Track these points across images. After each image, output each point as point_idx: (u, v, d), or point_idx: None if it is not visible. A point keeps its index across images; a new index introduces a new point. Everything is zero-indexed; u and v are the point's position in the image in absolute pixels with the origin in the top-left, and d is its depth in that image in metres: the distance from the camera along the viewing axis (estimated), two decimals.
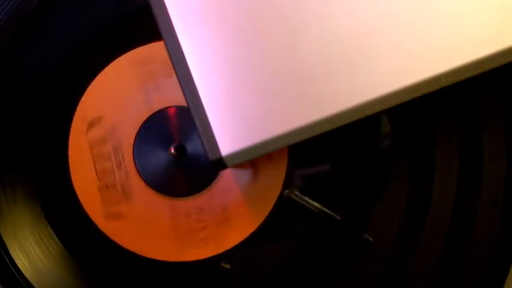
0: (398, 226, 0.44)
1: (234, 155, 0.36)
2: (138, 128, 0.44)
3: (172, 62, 0.36)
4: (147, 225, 0.44)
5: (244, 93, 0.36)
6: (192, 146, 0.44)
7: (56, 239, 0.45)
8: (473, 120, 0.44)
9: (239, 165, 0.43)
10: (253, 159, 0.36)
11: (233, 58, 0.36)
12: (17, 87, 0.46)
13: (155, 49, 0.44)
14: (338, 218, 0.44)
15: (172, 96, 0.44)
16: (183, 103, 0.41)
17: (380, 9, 0.35)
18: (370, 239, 0.44)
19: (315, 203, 0.44)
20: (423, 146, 0.44)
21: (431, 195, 0.44)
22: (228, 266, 0.44)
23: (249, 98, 0.36)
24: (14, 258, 0.45)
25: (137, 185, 0.44)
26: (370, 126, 0.44)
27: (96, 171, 0.44)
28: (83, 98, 0.45)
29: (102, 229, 0.44)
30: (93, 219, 0.44)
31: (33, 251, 0.45)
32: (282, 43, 0.35)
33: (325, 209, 0.44)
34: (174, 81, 0.44)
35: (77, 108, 0.45)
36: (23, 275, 0.45)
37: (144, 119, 0.44)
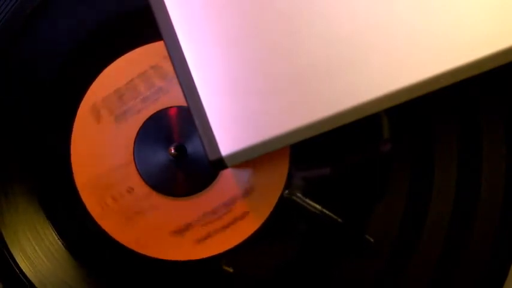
0: (399, 226, 0.44)
1: (234, 155, 0.36)
2: (138, 128, 0.44)
3: (172, 62, 0.36)
4: (148, 225, 0.44)
5: (244, 93, 0.36)
6: (192, 146, 0.44)
7: (57, 238, 0.45)
8: (472, 120, 0.44)
9: (239, 166, 0.43)
10: (253, 160, 0.36)
11: (233, 58, 0.36)
12: (17, 87, 0.46)
13: (155, 49, 0.44)
14: (338, 219, 0.44)
15: (172, 96, 0.44)
16: (183, 103, 0.41)
17: (380, 9, 0.35)
18: (371, 239, 0.44)
19: (315, 204, 0.44)
20: (423, 146, 0.44)
21: (431, 196, 0.44)
22: (230, 269, 0.44)
23: (249, 98, 0.36)
24: (15, 257, 0.45)
25: (137, 184, 0.44)
26: (370, 127, 0.44)
27: (133, 222, 0.44)
28: (84, 99, 0.45)
29: (105, 228, 0.44)
30: (97, 220, 0.44)
31: (34, 250, 0.45)
32: (282, 43, 0.35)
33: (326, 210, 0.44)
34: (174, 81, 0.44)
35: (79, 109, 0.45)
36: (24, 274, 0.45)
37: (144, 119, 0.44)
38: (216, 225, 0.44)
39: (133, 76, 0.44)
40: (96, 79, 0.45)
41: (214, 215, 0.44)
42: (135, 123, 0.44)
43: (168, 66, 0.44)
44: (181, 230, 0.44)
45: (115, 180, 0.44)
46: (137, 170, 0.44)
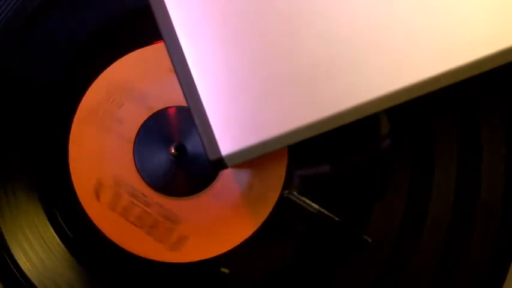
0: (399, 226, 0.44)
1: (234, 155, 0.36)
2: (138, 128, 0.44)
3: (172, 62, 0.36)
4: (146, 225, 0.44)
5: (244, 93, 0.36)
6: (192, 146, 0.44)
7: (57, 238, 0.45)
8: (472, 120, 0.44)
9: (239, 165, 0.43)
10: (253, 160, 0.36)
11: (233, 58, 0.36)
12: (17, 87, 0.46)
13: (155, 49, 0.44)
14: (337, 219, 0.44)
15: (172, 96, 0.44)
16: (183, 103, 0.41)
17: (380, 9, 0.35)
18: (369, 239, 0.44)
19: (314, 204, 0.44)
20: (422, 146, 0.44)
21: (431, 196, 0.44)
22: (227, 271, 0.44)
23: (249, 98, 0.36)
24: (15, 257, 0.45)
25: (137, 184, 0.44)
26: (369, 126, 0.44)
27: (132, 223, 0.44)
28: (84, 99, 0.45)
29: (102, 229, 0.44)
30: (92, 218, 0.44)
31: (34, 250, 0.45)
32: (282, 43, 0.35)
33: (324, 210, 0.44)
34: (174, 81, 0.44)
35: (78, 109, 0.45)
36: (24, 274, 0.45)
37: (144, 119, 0.44)
38: (216, 225, 0.44)
39: (133, 76, 0.44)
40: (93, 83, 0.45)
41: (214, 215, 0.44)
42: (133, 125, 0.44)
43: (168, 66, 0.44)
44: (181, 230, 0.44)
45: (115, 183, 0.44)
46: (140, 175, 0.44)
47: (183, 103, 0.42)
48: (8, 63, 0.46)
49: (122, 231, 0.44)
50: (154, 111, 0.44)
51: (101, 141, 0.44)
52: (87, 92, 0.45)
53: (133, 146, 0.44)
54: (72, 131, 0.44)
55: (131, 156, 0.44)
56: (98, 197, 0.44)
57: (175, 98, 0.44)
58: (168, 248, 0.44)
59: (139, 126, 0.44)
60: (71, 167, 0.44)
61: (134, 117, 0.44)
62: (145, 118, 0.44)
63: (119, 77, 0.44)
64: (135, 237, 0.44)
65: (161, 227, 0.44)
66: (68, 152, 0.45)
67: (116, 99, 0.44)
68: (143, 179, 0.44)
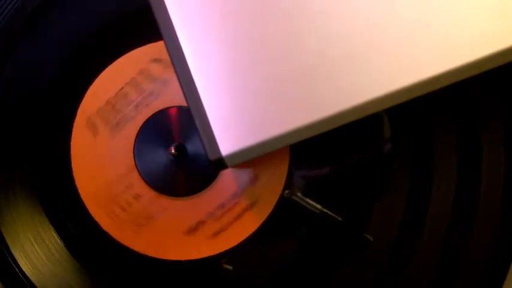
0: (399, 226, 0.44)
1: (235, 155, 0.36)
2: (138, 128, 0.44)
3: (172, 62, 0.36)
4: (147, 225, 0.44)
5: (244, 92, 0.36)
6: (192, 146, 0.44)
7: (57, 238, 0.45)
8: (472, 120, 0.44)
9: (239, 165, 0.43)
10: (253, 159, 0.36)
11: (233, 58, 0.36)
12: (17, 87, 0.46)
13: (155, 49, 0.44)
14: (338, 218, 0.44)
15: (172, 96, 0.44)
16: (183, 103, 0.41)
17: (380, 9, 0.35)
18: (371, 238, 0.44)
19: (315, 204, 0.44)
20: (422, 146, 0.44)
21: (431, 196, 0.44)
22: (230, 267, 0.44)
23: (249, 98, 0.36)
24: (15, 257, 0.45)
25: (142, 190, 0.44)
26: (370, 127, 0.44)
27: (120, 207, 0.44)
28: (84, 99, 0.45)
29: (104, 228, 0.44)
30: (97, 220, 0.44)
31: (34, 250, 0.45)
32: (282, 43, 0.35)
33: (325, 210, 0.44)
34: (174, 81, 0.44)
35: (78, 109, 0.45)
36: (25, 274, 0.45)
37: (144, 119, 0.44)
38: (216, 225, 0.44)
39: (123, 84, 0.44)
40: (87, 92, 0.45)
41: (214, 214, 0.44)
42: (131, 130, 0.44)
43: (155, 69, 0.44)
44: (181, 230, 0.44)
45: (120, 189, 0.44)
46: (140, 175, 0.44)
47: (183, 103, 0.42)
48: (8, 63, 0.46)
49: (124, 231, 0.44)
50: (148, 115, 0.44)
51: (101, 152, 0.44)
52: (80, 106, 0.45)
53: (133, 152, 0.44)
54: (72, 145, 0.45)
55: (132, 163, 0.44)
56: (107, 208, 0.44)
57: (175, 98, 0.44)
58: (169, 247, 0.44)
59: (136, 132, 0.44)
60: (76, 182, 0.44)
61: (130, 124, 0.44)
62: (140, 124, 0.44)
63: (108, 87, 0.44)
64: (136, 236, 0.44)
65: (162, 227, 0.44)
66: (69, 152, 0.45)
67: (109, 109, 0.44)
68: (143, 179, 0.44)
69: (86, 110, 0.45)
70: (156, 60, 0.44)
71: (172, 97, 0.44)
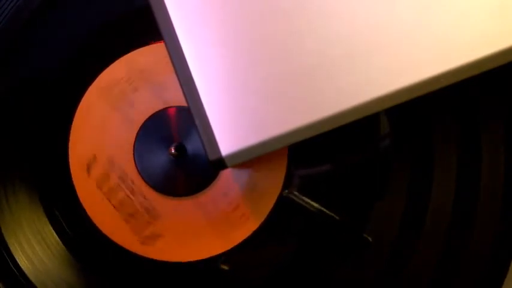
0: (399, 226, 0.44)
1: (235, 155, 0.36)
2: (138, 128, 0.44)
3: (172, 62, 0.36)
4: (147, 226, 0.44)
5: (244, 93, 0.36)
6: (192, 146, 0.44)
7: (57, 238, 0.45)
8: (472, 120, 0.44)
9: (239, 165, 0.43)
10: (253, 159, 0.36)
11: (233, 58, 0.36)
12: (17, 87, 0.46)
13: (155, 49, 0.44)
14: (337, 218, 0.44)
15: (172, 96, 0.44)
16: (183, 103, 0.41)
17: (380, 9, 0.35)
18: (370, 238, 0.44)
19: (314, 204, 0.44)
20: (422, 146, 0.44)
21: (431, 196, 0.44)
22: (226, 267, 0.44)
23: (249, 98, 0.36)
24: (15, 257, 0.45)
25: (141, 188, 0.44)
26: (369, 126, 0.44)
27: (113, 206, 0.44)
28: (103, 73, 0.44)
29: (102, 230, 0.44)
30: (97, 225, 0.44)
31: (34, 250, 0.45)
32: (282, 43, 0.35)
33: (325, 210, 0.44)
34: (174, 81, 0.44)
35: (95, 80, 0.44)
36: (24, 273, 0.45)
37: (144, 119, 0.44)
38: (215, 225, 0.44)
39: (134, 76, 0.44)
40: (97, 79, 0.45)
41: (214, 214, 0.44)
42: (143, 112, 0.44)
43: (168, 66, 0.44)
44: (180, 230, 0.44)
45: (109, 162, 0.44)
46: (137, 169, 0.44)
47: (183, 103, 0.42)
48: (8, 63, 0.46)
49: (104, 212, 0.44)
50: (155, 111, 0.44)
51: (107, 117, 0.44)
52: (108, 68, 0.44)
53: (134, 146, 0.44)
54: (83, 99, 0.44)
55: (132, 140, 0.44)
56: (88, 171, 0.44)
57: (175, 98, 0.44)
58: (169, 247, 0.44)
59: (139, 126, 0.44)
60: (71, 135, 0.44)
61: (146, 105, 0.44)
62: (145, 118, 0.44)
63: (142, 61, 0.44)
64: (114, 221, 0.44)
65: (162, 227, 0.44)
66: (68, 151, 0.45)
67: (134, 82, 0.44)
68: (143, 178, 0.44)
69: (105, 80, 0.44)
70: (159, 61, 0.44)
71: (172, 97, 0.44)
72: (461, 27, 0.34)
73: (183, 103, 0.40)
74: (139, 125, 0.44)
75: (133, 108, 0.44)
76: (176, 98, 0.44)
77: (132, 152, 0.44)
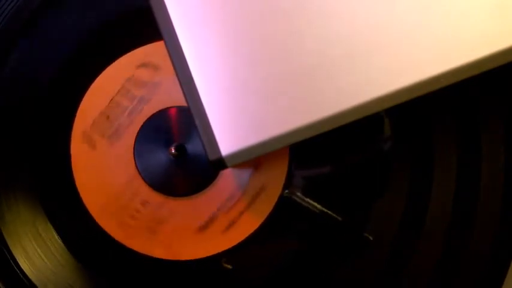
0: (398, 226, 0.44)
1: (235, 155, 0.36)
2: (138, 128, 0.44)
3: (172, 62, 0.36)
4: (154, 228, 0.44)
5: (244, 92, 0.36)
6: (192, 146, 0.44)
7: (58, 238, 0.45)
8: (472, 120, 0.44)
9: (239, 165, 0.43)
10: (253, 159, 0.36)
11: (233, 58, 0.36)
12: (17, 87, 0.46)
13: (155, 49, 0.44)
14: (338, 218, 0.44)
15: (172, 96, 0.44)
16: (183, 103, 0.41)
17: (380, 9, 0.35)
18: (371, 238, 0.44)
19: (315, 204, 0.44)
20: (422, 146, 0.44)
21: (431, 195, 0.44)
22: (229, 266, 0.44)
23: (250, 98, 0.36)
24: (15, 257, 0.45)
25: (149, 195, 0.44)
26: (370, 126, 0.44)
27: (130, 216, 0.44)
28: (84, 99, 0.45)
29: (104, 228, 0.44)
30: (110, 233, 0.44)
31: (34, 250, 0.45)
32: (282, 43, 0.35)
33: (325, 210, 0.44)
34: (174, 81, 0.44)
35: (78, 110, 0.45)
36: (25, 274, 0.45)
37: (144, 119, 0.44)
38: (216, 225, 0.44)
39: (114, 94, 0.44)
40: (97, 80, 0.45)
41: (214, 214, 0.44)
42: (129, 138, 0.44)
43: (142, 75, 0.44)
44: (181, 230, 0.44)
45: (127, 198, 0.44)
46: (137, 169, 0.44)
47: (183, 103, 0.42)
48: (8, 63, 0.46)
49: (153, 243, 0.44)
50: (155, 111, 0.44)
51: (102, 165, 0.44)
52: (88, 93, 0.45)
53: (134, 146, 0.44)
54: (72, 162, 0.45)
55: (132, 161, 0.44)
56: (118, 219, 0.44)
57: (175, 98, 0.44)
58: (169, 247, 0.44)
59: (133, 139, 0.44)
60: (83, 199, 0.44)
61: (126, 133, 0.44)
62: (145, 118, 0.44)
63: (118, 77, 0.44)
64: (136, 236, 0.44)
65: (162, 227, 0.44)
66: (69, 151, 0.45)
67: (104, 121, 0.44)
68: (143, 178, 0.44)
69: (81, 124, 0.45)
70: (143, 65, 0.44)
71: (173, 97, 0.44)
72: (461, 27, 0.34)
73: (183, 103, 0.40)
74: (134, 138, 0.44)
75: (157, 92, 0.44)
76: (176, 98, 0.44)
77: (135, 166, 0.44)
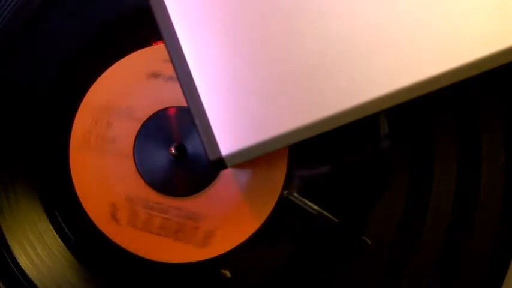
0: (398, 226, 0.44)
1: (235, 155, 0.36)
2: (138, 128, 0.44)
3: (172, 62, 0.36)
4: (148, 225, 0.44)
5: (244, 93, 0.36)
6: (192, 146, 0.44)
7: (58, 238, 0.45)
8: (472, 120, 0.44)
9: (239, 165, 0.43)
10: (253, 159, 0.36)
11: (233, 58, 0.36)
12: (17, 87, 0.46)
13: (155, 50, 0.44)
14: (336, 220, 0.44)
15: (172, 96, 0.44)
16: (183, 103, 0.41)
17: (380, 9, 0.35)
18: (368, 241, 0.44)
19: (313, 205, 0.44)
20: (422, 146, 0.44)
21: (431, 195, 0.44)
22: (229, 275, 0.44)
23: (249, 98, 0.36)
24: (16, 257, 0.45)
25: (150, 195, 0.44)
26: (369, 126, 0.44)
27: (156, 233, 0.44)
28: (84, 99, 0.45)
29: (103, 230, 0.44)
30: (114, 240, 0.44)
31: (35, 250, 0.45)
32: (282, 43, 0.35)
33: (324, 211, 0.44)
34: (174, 81, 0.44)
35: (78, 110, 0.45)
36: (25, 273, 0.45)
37: (144, 119, 0.44)
38: (216, 226, 0.44)
39: (134, 77, 0.44)
40: (97, 81, 0.45)
41: (214, 215, 0.44)
42: (127, 140, 0.44)
43: (168, 67, 0.44)
44: (181, 231, 0.44)
45: (129, 201, 0.44)
46: (137, 169, 0.44)
47: (183, 103, 0.42)
48: (8, 63, 0.46)
49: (147, 244, 0.44)
50: (155, 111, 0.44)
51: (101, 164, 0.44)
52: (88, 93, 0.45)
53: (134, 146, 0.44)
54: (71, 167, 0.44)
55: (134, 170, 0.44)
56: (116, 219, 0.44)
57: (175, 98, 0.44)
58: (169, 248, 0.44)
59: (139, 126, 0.44)
60: (80, 197, 0.44)
61: (126, 133, 0.44)
62: (145, 118, 0.44)
63: (119, 78, 0.44)
64: (137, 238, 0.44)
65: (165, 227, 0.44)
66: (68, 151, 0.45)
67: (104, 120, 0.44)
68: (143, 178, 0.44)
69: (81, 124, 0.44)
70: (158, 61, 0.44)
71: (173, 97, 0.44)
72: (461, 27, 0.34)
73: (183, 103, 0.40)
74: (140, 125, 0.44)
75: (116, 143, 0.44)
76: (176, 98, 0.44)
77: (135, 167, 0.44)
